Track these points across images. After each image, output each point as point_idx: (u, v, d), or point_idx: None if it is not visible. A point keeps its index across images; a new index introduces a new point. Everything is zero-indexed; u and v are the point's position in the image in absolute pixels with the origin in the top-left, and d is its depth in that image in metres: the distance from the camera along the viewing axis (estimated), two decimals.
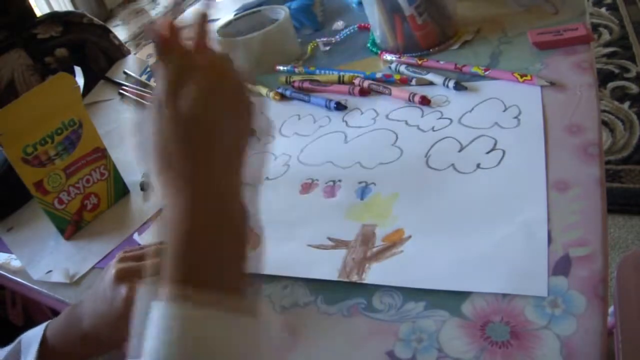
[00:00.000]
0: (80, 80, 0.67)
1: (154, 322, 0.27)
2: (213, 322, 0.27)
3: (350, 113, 0.71)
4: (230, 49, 0.87)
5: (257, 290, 0.34)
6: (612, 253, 1.22)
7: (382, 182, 0.58)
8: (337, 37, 0.90)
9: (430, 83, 0.70)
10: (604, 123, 1.55)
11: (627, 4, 2.09)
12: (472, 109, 0.63)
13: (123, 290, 0.41)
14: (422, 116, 0.65)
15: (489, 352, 0.39)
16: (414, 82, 0.71)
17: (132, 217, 0.67)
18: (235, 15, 0.94)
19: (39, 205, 0.63)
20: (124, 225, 0.66)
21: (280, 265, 0.51)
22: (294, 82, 0.81)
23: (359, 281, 0.47)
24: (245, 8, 0.99)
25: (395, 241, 0.50)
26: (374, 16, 0.78)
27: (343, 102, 0.72)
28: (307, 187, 0.61)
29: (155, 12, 3.93)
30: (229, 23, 0.92)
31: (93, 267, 0.61)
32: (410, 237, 0.50)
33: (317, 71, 0.81)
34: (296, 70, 0.83)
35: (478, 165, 0.55)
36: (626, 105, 1.61)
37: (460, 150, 0.58)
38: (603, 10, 2.10)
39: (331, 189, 0.59)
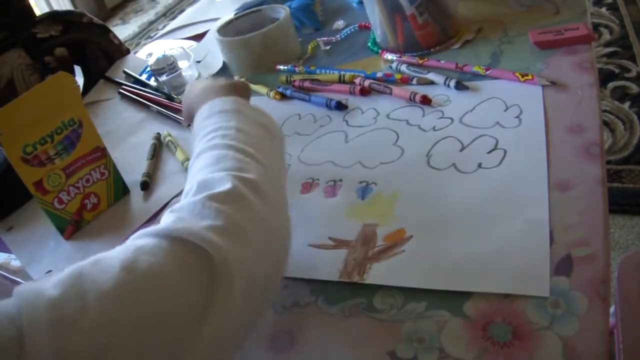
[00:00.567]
0: (79, 79, 0.66)
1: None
2: (243, 102, 0.52)
3: (351, 112, 0.71)
4: (231, 48, 0.87)
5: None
6: (613, 253, 1.22)
7: (383, 181, 0.58)
8: (338, 36, 0.90)
9: (431, 82, 0.70)
10: (605, 123, 1.55)
11: (627, 3, 2.09)
12: (473, 108, 0.63)
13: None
14: (423, 116, 0.65)
15: (490, 352, 0.39)
16: (414, 81, 0.71)
17: (132, 217, 0.67)
18: (236, 14, 0.94)
19: (38, 205, 0.63)
20: (124, 225, 0.66)
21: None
22: (294, 81, 0.80)
23: (360, 281, 0.47)
24: (245, 7, 0.99)
25: (396, 241, 0.50)
26: (375, 15, 0.77)
27: (344, 102, 0.72)
28: (307, 186, 0.61)
29: (155, 11, 3.93)
30: (229, 22, 0.92)
31: None
32: (411, 237, 0.50)
33: (318, 70, 0.81)
34: (297, 69, 0.83)
35: (479, 165, 0.55)
36: (626, 105, 1.61)
37: (461, 150, 0.58)
38: (603, 10, 2.10)
39: (332, 189, 0.59)
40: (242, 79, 0.65)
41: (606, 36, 1.94)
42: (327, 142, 0.67)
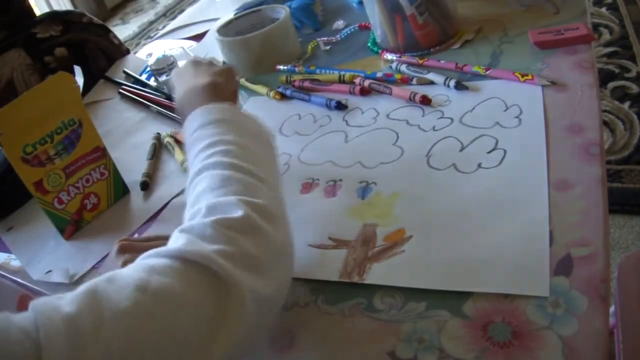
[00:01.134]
0: (79, 79, 0.66)
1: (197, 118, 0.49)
2: (235, 110, 0.51)
3: (350, 112, 0.71)
4: (231, 48, 0.87)
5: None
6: (613, 253, 1.22)
7: (383, 181, 0.58)
8: (338, 36, 0.90)
9: (431, 82, 0.70)
10: (604, 123, 1.55)
11: (627, 3, 2.09)
12: (473, 108, 0.63)
13: (121, 260, 0.50)
14: (423, 115, 0.65)
15: (490, 352, 0.39)
16: (414, 81, 0.71)
17: (132, 217, 0.67)
18: (236, 14, 0.94)
19: (38, 205, 0.63)
20: (124, 225, 0.66)
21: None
22: (294, 81, 0.80)
23: (360, 281, 0.47)
24: (245, 7, 0.99)
25: (396, 241, 0.50)
26: (375, 15, 0.77)
27: (344, 102, 0.72)
28: (307, 186, 0.61)
29: (155, 11, 3.93)
30: (229, 22, 0.92)
31: (93, 267, 0.61)
32: (411, 236, 0.50)
33: (318, 70, 0.81)
34: (296, 69, 0.83)
35: (479, 165, 0.55)
36: (626, 105, 1.61)
37: (461, 150, 0.58)
38: (603, 10, 2.10)
39: (332, 189, 0.59)
40: (225, 65, 0.63)
41: (606, 36, 1.94)
42: (327, 142, 0.67)
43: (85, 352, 0.29)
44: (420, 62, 0.74)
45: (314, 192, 0.60)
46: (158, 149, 0.78)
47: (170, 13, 3.79)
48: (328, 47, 0.89)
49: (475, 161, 0.55)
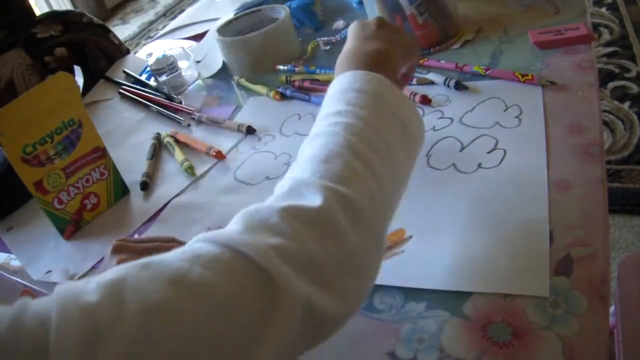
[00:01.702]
0: (79, 79, 0.66)
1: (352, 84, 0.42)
2: (383, 80, 0.42)
3: None
4: (231, 48, 0.87)
5: None
6: (613, 253, 1.22)
7: None
8: (338, 36, 0.90)
9: (431, 82, 0.70)
10: (604, 123, 1.55)
11: (627, 3, 2.09)
12: (473, 108, 0.63)
13: (115, 260, 0.48)
14: (423, 115, 0.65)
15: (490, 352, 0.39)
16: (414, 81, 0.71)
17: (132, 217, 0.67)
18: (236, 14, 0.94)
19: (38, 205, 0.63)
20: (123, 225, 0.66)
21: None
22: (294, 81, 0.80)
23: None
24: (245, 7, 0.99)
25: (396, 241, 0.50)
26: (375, 15, 0.77)
27: None
28: None
29: (155, 11, 3.93)
30: (229, 22, 0.92)
31: (93, 267, 0.61)
32: (411, 237, 0.50)
33: (318, 70, 0.81)
34: (296, 69, 0.83)
35: (479, 165, 0.55)
36: (626, 105, 1.61)
37: (461, 150, 0.58)
38: (603, 10, 2.10)
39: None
40: (412, 38, 0.55)
41: (606, 36, 1.94)
42: None
43: (99, 352, 0.26)
44: (420, 62, 0.74)
45: None
46: (158, 149, 0.78)
47: (170, 13, 3.79)
48: (328, 47, 0.89)
49: (475, 161, 0.55)
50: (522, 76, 0.63)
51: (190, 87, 0.92)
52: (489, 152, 0.56)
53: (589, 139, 0.53)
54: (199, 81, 0.93)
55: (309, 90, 0.78)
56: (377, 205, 0.36)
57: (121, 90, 0.97)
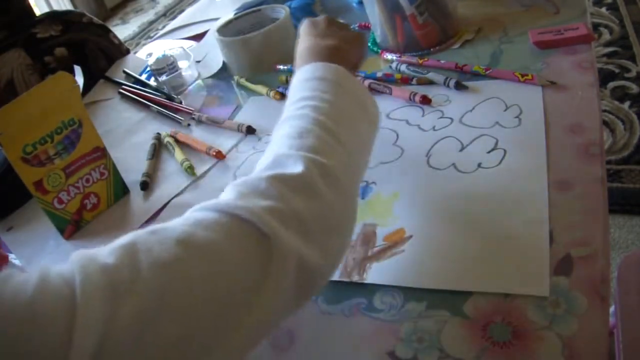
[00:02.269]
0: (79, 79, 0.66)
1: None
2: (339, 69, 0.48)
3: None
4: (230, 48, 0.87)
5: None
6: (612, 253, 1.22)
7: (382, 181, 0.58)
8: None
9: (431, 82, 0.70)
10: (604, 123, 1.55)
11: (627, 3, 2.09)
12: (473, 108, 0.63)
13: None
14: (423, 115, 0.65)
15: (490, 352, 0.39)
16: (414, 81, 0.71)
17: (132, 217, 0.67)
18: (236, 14, 0.94)
19: (38, 205, 0.63)
20: (123, 225, 0.66)
21: None
22: None
23: (359, 281, 0.47)
24: (245, 7, 0.99)
25: (396, 241, 0.50)
26: (375, 15, 0.77)
27: None
28: None
29: (155, 11, 3.93)
30: (229, 22, 0.92)
31: None
32: (411, 236, 0.50)
33: None
34: None
35: (479, 165, 0.55)
36: (626, 105, 1.61)
37: (461, 150, 0.58)
38: (603, 10, 2.10)
39: None
40: (357, 31, 0.61)
41: (606, 36, 1.94)
42: None
43: (120, 306, 0.28)
44: (420, 62, 0.74)
45: None
46: (158, 149, 0.78)
47: (170, 13, 3.79)
48: None
49: (475, 161, 0.55)
50: (522, 76, 0.63)
51: (190, 87, 0.92)
52: (488, 152, 0.56)
53: (589, 139, 0.53)
54: (199, 81, 0.93)
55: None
56: (349, 170, 0.41)
57: (121, 90, 0.97)
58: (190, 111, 0.83)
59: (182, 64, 0.93)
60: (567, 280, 0.41)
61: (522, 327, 0.39)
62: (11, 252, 0.69)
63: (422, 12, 0.73)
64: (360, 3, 0.91)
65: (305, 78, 0.48)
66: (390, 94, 0.70)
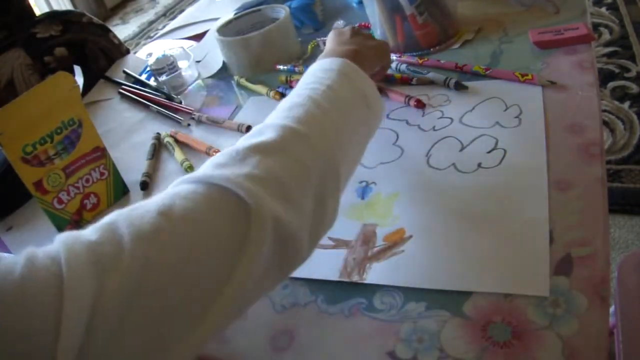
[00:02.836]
0: (79, 79, 0.66)
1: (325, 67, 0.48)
2: (366, 80, 0.49)
3: None
4: (230, 48, 0.87)
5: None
6: (612, 253, 1.22)
7: (382, 181, 0.58)
8: None
9: (431, 82, 0.70)
10: (604, 123, 1.55)
11: (627, 3, 2.09)
12: (473, 108, 0.63)
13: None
14: (423, 115, 0.65)
15: (490, 352, 0.39)
16: (414, 81, 0.71)
17: None
18: (236, 14, 0.94)
19: (38, 205, 0.63)
20: None
21: None
22: (291, 82, 0.80)
23: (359, 281, 0.47)
24: (245, 7, 0.99)
25: (396, 241, 0.50)
26: (375, 15, 0.77)
27: None
28: None
29: (155, 11, 3.93)
30: (229, 22, 0.92)
31: None
32: (411, 236, 0.50)
33: None
34: (296, 69, 0.83)
35: (479, 165, 0.55)
36: (626, 105, 1.61)
37: (461, 150, 0.58)
38: (603, 9, 2.10)
39: None
40: (381, 40, 0.61)
41: (606, 36, 1.94)
42: None
43: (107, 281, 0.29)
44: (420, 62, 0.74)
45: None
46: (158, 148, 0.78)
47: (170, 13, 3.79)
48: None
49: (475, 161, 0.55)
50: (522, 76, 0.63)
51: (190, 87, 0.92)
52: (489, 152, 0.56)
53: (589, 139, 0.53)
54: (199, 81, 0.93)
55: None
56: (330, 138, 0.41)
57: (121, 90, 0.97)
58: (190, 111, 0.83)
59: (182, 64, 0.93)
60: (567, 280, 0.41)
61: (522, 327, 0.39)
62: (11, 252, 0.69)
63: (422, 12, 0.73)
64: (360, 3, 0.91)
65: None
66: (387, 98, 0.70)
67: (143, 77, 1.00)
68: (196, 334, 0.32)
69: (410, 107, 0.67)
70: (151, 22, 3.74)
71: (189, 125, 0.81)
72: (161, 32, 1.29)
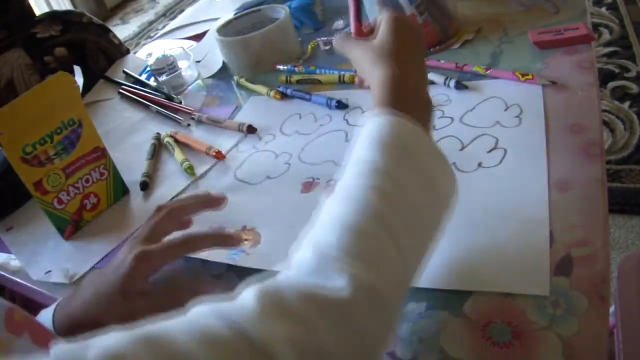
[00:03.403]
0: (79, 79, 0.66)
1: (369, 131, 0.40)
2: (415, 131, 0.40)
3: (351, 112, 0.71)
4: (230, 48, 0.87)
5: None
6: (612, 253, 1.22)
7: None
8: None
9: (431, 82, 0.70)
10: (604, 123, 1.55)
11: (627, 3, 2.09)
12: (474, 108, 0.63)
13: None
14: None
15: (490, 352, 0.39)
16: None
17: (131, 217, 0.67)
18: (236, 14, 0.94)
19: (38, 205, 0.63)
20: (123, 225, 0.66)
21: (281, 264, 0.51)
22: (291, 82, 0.80)
23: None
24: (245, 7, 0.99)
25: None
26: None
27: (344, 101, 0.72)
28: (308, 186, 0.61)
29: (155, 11, 3.93)
30: (229, 22, 0.92)
31: (92, 267, 0.61)
32: None
33: (318, 70, 0.81)
34: (296, 69, 0.83)
35: (479, 164, 0.55)
36: (626, 105, 1.61)
37: (461, 149, 0.58)
38: (603, 9, 2.10)
39: (333, 188, 0.59)
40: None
41: (606, 36, 1.94)
42: (327, 141, 0.67)
43: None
44: None
45: (315, 192, 0.59)
46: (158, 149, 0.78)
47: (170, 13, 3.79)
48: (328, 47, 0.89)
49: (475, 160, 0.55)
50: (523, 76, 0.63)
51: (190, 87, 0.92)
52: (489, 152, 0.56)
53: (589, 139, 0.53)
54: (199, 81, 0.93)
55: (309, 90, 0.78)
56: (401, 289, 0.36)
57: (121, 90, 0.97)
58: (190, 111, 0.83)
59: (182, 64, 0.93)
60: (567, 280, 0.41)
61: (522, 327, 0.39)
62: (11, 252, 0.69)
63: (422, 12, 0.73)
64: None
65: (379, 138, 0.40)
66: None
67: (143, 77, 1.00)
68: None
69: None
70: (151, 22, 3.74)
71: (188, 125, 0.81)
72: (161, 32, 1.29)
